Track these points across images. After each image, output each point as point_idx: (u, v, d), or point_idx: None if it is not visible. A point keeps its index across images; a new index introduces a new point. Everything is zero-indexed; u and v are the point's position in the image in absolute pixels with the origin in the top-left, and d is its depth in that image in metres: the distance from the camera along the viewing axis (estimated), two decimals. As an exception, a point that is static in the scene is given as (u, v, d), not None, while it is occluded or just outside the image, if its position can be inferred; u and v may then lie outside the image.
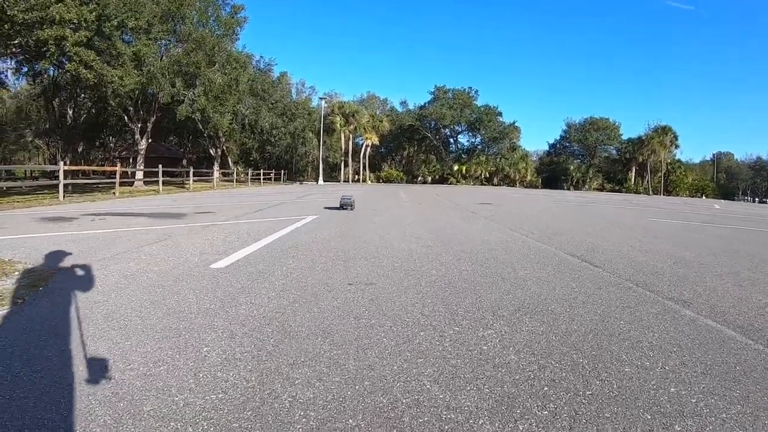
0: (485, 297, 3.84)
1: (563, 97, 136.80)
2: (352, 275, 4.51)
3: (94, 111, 31.53)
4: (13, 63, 19.03)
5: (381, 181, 60.32)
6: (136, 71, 19.89)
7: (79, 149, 46.54)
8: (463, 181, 60.64)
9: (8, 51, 16.60)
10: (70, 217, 9.77)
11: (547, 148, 73.51)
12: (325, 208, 12.84)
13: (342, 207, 12.00)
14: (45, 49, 14.97)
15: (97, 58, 16.71)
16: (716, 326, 3.32)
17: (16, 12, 11.90)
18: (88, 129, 38.20)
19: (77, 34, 14.93)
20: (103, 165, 43.13)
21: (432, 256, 5.66)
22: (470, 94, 65.45)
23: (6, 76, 21.33)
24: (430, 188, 39.56)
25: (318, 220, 9.69)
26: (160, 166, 23.35)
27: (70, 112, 30.70)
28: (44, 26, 14.40)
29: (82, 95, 24.86)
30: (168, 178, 29.29)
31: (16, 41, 14.87)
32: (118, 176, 19.72)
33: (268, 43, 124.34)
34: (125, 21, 17.90)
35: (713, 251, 7.19)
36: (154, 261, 5.04)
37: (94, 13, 15.31)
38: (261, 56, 48.11)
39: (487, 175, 62.88)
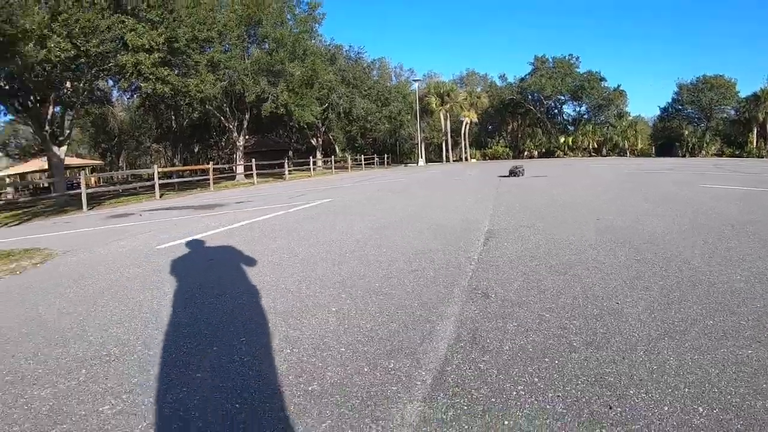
0: None
1: (672, 55, 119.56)
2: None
3: (195, 115, 35.36)
4: (110, 83, 22.60)
5: (487, 158, 59.36)
6: (212, 75, 22.04)
7: (195, 149, 52.65)
8: (571, 154, 57.53)
9: (99, 75, 19.09)
10: (131, 213, 11.74)
11: (659, 112, 66.71)
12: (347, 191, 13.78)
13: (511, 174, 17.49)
14: (125, 71, 17.31)
15: (172, 72, 18.91)
16: None
17: (89, 47, 14.22)
18: (195, 131, 42.86)
19: (151, 56, 16.87)
20: (216, 162, 47.90)
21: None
22: (571, 62, 61.49)
23: (111, 95, 25.30)
24: (523, 164, 38.26)
25: (320, 205, 10.54)
26: (254, 160, 26.37)
27: (173, 118, 34.74)
28: (121, 53, 16.61)
29: (181, 102, 28.15)
30: (269, 171, 31.84)
31: (105, 66, 17.35)
32: (211, 173, 23.11)
33: (366, 31, 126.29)
34: (196, 35, 20.00)
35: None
36: (125, 242, 6.35)
37: (163, 36, 17.20)
38: (350, 46, 49.96)
39: (595, 146, 59.04)
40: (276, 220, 8.11)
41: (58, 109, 18.90)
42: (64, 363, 2.53)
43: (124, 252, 5.88)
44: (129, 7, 16.07)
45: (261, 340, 2.67)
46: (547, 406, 1.83)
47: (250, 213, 9.52)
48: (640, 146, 58.41)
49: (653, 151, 58.29)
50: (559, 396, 1.89)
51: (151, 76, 16.78)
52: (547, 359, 2.22)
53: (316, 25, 34.74)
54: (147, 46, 15.85)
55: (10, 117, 21.83)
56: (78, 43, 13.92)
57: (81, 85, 17.76)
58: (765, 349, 2.22)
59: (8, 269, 5.21)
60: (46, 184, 30.09)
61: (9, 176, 38.00)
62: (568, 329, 2.57)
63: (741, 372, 2.02)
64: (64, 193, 17.45)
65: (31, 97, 17.50)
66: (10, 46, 12.80)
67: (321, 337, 2.66)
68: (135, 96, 28.17)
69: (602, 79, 59.66)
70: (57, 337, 2.93)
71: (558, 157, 55.43)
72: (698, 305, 2.84)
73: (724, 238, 4.73)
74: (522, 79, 63.61)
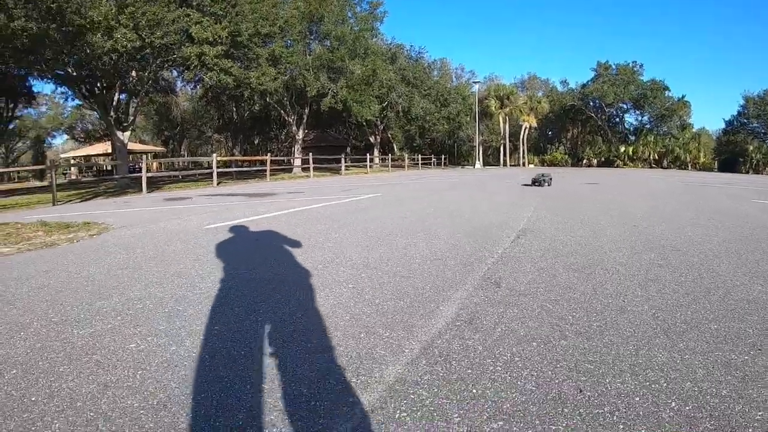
0: None
1: (741, 65, 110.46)
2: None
3: (256, 108, 36.51)
4: (175, 73, 23.87)
5: (545, 164, 58.10)
6: (273, 69, 22.73)
7: (255, 141, 54.38)
8: (631, 164, 55.15)
9: (164, 66, 20.04)
10: (187, 197, 12.47)
11: (723, 126, 62.72)
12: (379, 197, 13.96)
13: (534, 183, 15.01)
14: (189, 62, 18.10)
15: (235, 64, 19.62)
16: None
17: (153, 39, 15.09)
18: (256, 123, 44.20)
19: (215, 48, 17.47)
20: (276, 155, 49.17)
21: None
22: (634, 69, 59.05)
23: (175, 85, 26.80)
24: (575, 173, 37.33)
25: (368, 199, 10.89)
26: (311, 154, 27.22)
27: (234, 110, 36.04)
28: (185, 45, 17.37)
29: (242, 94, 29.14)
30: (326, 165, 32.53)
31: (170, 57, 18.17)
32: (268, 165, 23.92)
33: (429, 30, 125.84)
34: (258, 30, 20.68)
35: None
36: (176, 221, 6.91)
37: (226, 30, 17.79)
38: (411, 45, 50.04)
39: (656, 157, 56.40)
40: (323, 209, 8.51)
41: (123, 96, 20.16)
42: (104, 311, 2.89)
43: (175, 229, 6.37)
44: (194, 2, 16.87)
45: (278, 305, 2.93)
46: (519, 383, 1.94)
47: (300, 202, 9.97)
48: (702, 160, 55.34)
49: (716, 166, 55.16)
50: (533, 375, 2.00)
51: (215, 67, 17.55)
52: (534, 343, 2.32)
53: (377, 23, 35.08)
54: (211, 39, 16.58)
55: (77, 102, 23.47)
56: (143, 35, 14.80)
57: (146, 74, 18.83)
58: (765, 357, 2.18)
59: (66, 238, 5.80)
60: (109, 167, 32.15)
61: (74, 158, 40.84)
62: (566, 320, 2.65)
63: (729, 375, 2.01)
64: (125, 176, 18.68)
65: (98, 84, 18.76)
66: (79, 36, 13.82)
67: (332, 307, 2.89)
68: (198, 87, 29.43)
69: (666, 88, 57.15)
70: (102, 292, 3.32)
71: (617, 167, 53.46)
72: (707, 310, 2.82)
73: (758, 251, 4.56)
74: (584, 85, 61.78)
